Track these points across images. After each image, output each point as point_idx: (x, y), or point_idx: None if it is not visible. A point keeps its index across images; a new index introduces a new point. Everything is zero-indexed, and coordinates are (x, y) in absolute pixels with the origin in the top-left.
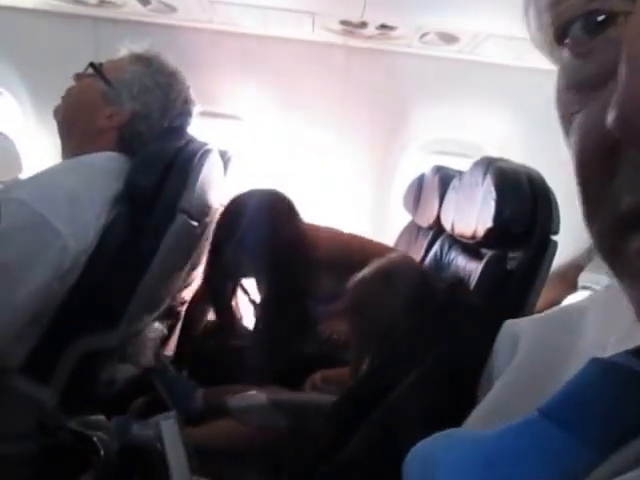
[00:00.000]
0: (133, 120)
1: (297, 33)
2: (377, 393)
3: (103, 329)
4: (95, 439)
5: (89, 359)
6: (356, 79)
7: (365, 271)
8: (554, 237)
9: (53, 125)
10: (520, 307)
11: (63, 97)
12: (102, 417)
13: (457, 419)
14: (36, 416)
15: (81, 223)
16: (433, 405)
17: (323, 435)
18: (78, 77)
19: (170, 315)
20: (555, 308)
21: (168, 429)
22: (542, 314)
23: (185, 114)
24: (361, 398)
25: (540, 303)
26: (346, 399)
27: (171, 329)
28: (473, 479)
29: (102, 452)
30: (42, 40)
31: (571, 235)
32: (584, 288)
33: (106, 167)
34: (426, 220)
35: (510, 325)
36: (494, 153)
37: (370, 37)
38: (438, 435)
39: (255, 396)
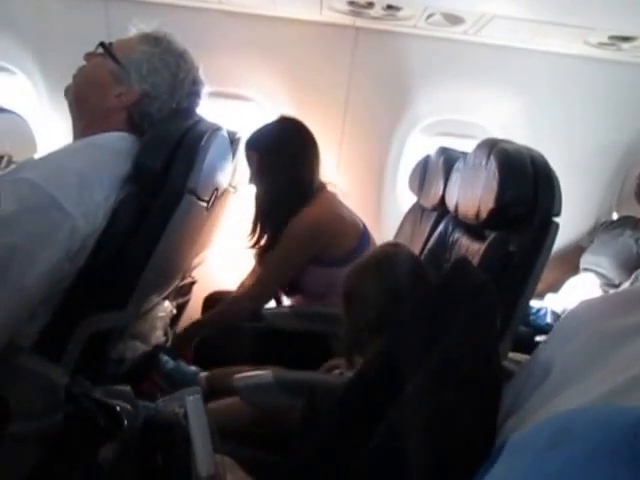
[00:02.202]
0: (142, 100)
1: (305, 14)
2: (391, 376)
3: (113, 309)
4: (118, 409)
5: (99, 338)
6: (363, 60)
7: (359, 260)
8: (556, 219)
9: (66, 105)
10: (521, 287)
11: (74, 76)
12: (128, 388)
13: (481, 396)
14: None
15: (90, 204)
16: (457, 385)
17: (336, 418)
18: (88, 56)
19: (180, 294)
20: (618, 291)
21: (193, 405)
22: (606, 296)
23: (194, 95)
24: (375, 381)
25: (542, 284)
26: (358, 383)
27: (181, 308)
28: (626, 451)
29: (125, 423)
30: (54, 21)
31: (573, 217)
32: (585, 270)
33: (115, 147)
34: (431, 201)
35: (578, 309)
36: (498, 134)
37: (377, 18)
38: (565, 412)
39: (262, 375)
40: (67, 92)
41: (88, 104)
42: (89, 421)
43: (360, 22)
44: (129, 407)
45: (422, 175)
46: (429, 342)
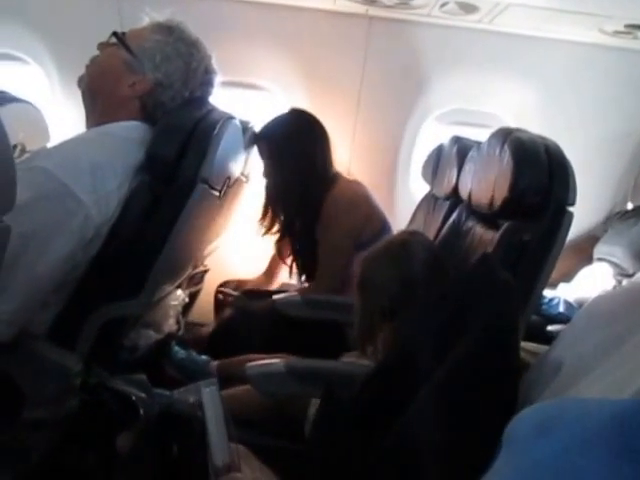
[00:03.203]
0: (155, 89)
1: (318, 3)
2: (410, 371)
3: (126, 297)
4: (134, 398)
5: (113, 326)
6: (377, 49)
7: (375, 247)
8: (570, 208)
9: (79, 94)
10: (535, 278)
11: (87, 66)
12: (143, 376)
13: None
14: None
15: (103, 193)
16: (480, 378)
17: (353, 413)
18: (102, 46)
19: (192, 283)
20: (631, 284)
21: (209, 396)
22: (618, 291)
23: (206, 84)
24: (394, 376)
25: (555, 273)
26: (376, 378)
27: (193, 297)
28: (616, 440)
29: (141, 411)
30: (67, 10)
31: (587, 206)
32: (599, 260)
33: (129, 136)
34: (444, 190)
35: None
36: (512, 123)
37: (391, 6)
38: (555, 401)
39: (273, 364)
40: (80, 82)
41: (101, 93)
42: (105, 409)
43: (373, 11)
44: (144, 396)
45: (435, 164)
46: (449, 339)
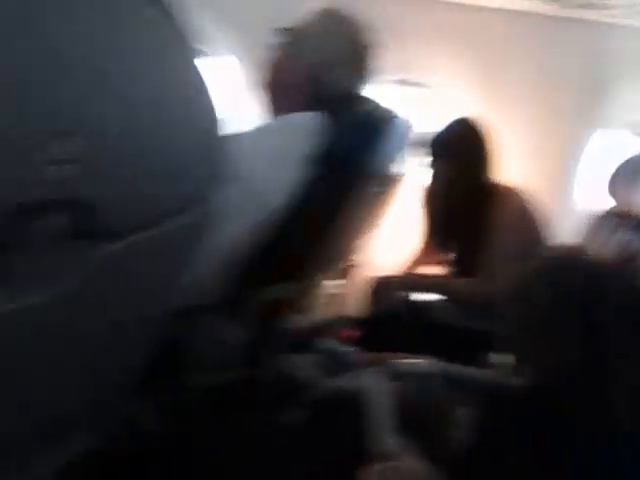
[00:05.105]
0: (319, 79)
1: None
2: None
3: (284, 281)
4: (300, 379)
5: (271, 308)
6: (558, 51)
7: (532, 260)
8: None
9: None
10: None
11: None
12: (308, 358)
13: None
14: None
15: (279, 181)
16: None
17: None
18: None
19: (339, 276)
20: None
21: (376, 383)
22: None
23: (369, 78)
24: (570, 392)
25: None
26: (544, 390)
27: (339, 289)
28: None
29: (305, 393)
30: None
31: None
32: None
33: (304, 127)
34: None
35: None
36: None
37: (582, 6)
38: None
39: (428, 364)
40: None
41: (274, 84)
42: (269, 387)
43: (554, 10)
44: (310, 378)
45: (631, 178)
46: (612, 362)
